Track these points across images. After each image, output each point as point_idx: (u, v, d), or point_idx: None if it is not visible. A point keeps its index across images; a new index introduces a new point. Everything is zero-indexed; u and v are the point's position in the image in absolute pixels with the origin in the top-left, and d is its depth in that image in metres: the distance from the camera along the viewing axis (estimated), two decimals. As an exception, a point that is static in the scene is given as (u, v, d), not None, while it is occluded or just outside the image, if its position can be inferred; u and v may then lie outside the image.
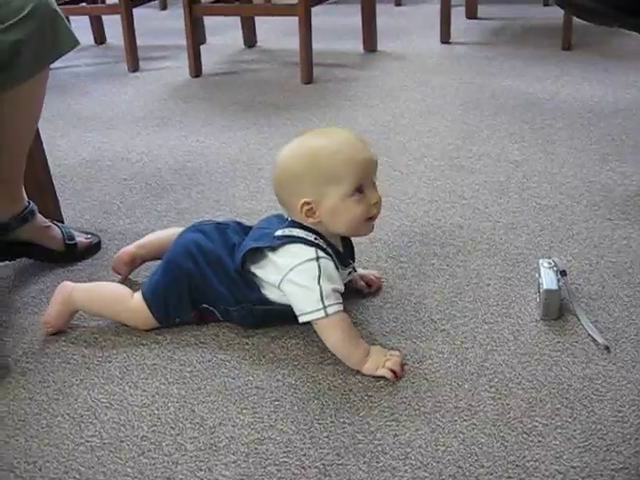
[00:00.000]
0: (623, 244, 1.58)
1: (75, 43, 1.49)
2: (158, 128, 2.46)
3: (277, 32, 3.69)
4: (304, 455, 1.07)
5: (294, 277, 1.23)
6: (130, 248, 1.52)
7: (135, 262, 1.52)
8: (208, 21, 3.67)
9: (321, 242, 1.26)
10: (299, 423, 1.13)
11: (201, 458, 1.07)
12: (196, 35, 3.05)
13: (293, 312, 1.26)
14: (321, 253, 1.24)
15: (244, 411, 1.16)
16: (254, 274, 1.29)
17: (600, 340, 1.27)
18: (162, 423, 1.14)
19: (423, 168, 2.00)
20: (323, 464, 1.05)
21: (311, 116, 2.45)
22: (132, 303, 1.36)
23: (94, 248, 1.66)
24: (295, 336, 1.33)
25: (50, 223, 1.63)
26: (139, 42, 3.25)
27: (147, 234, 1.70)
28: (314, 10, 2.83)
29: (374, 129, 2.30)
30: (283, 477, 1.03)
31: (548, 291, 1.32)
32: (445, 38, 3.27)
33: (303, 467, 1.05)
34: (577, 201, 1.77)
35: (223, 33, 3.77)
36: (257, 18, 3.53)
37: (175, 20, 3.77)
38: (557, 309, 1.34)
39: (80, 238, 1.65)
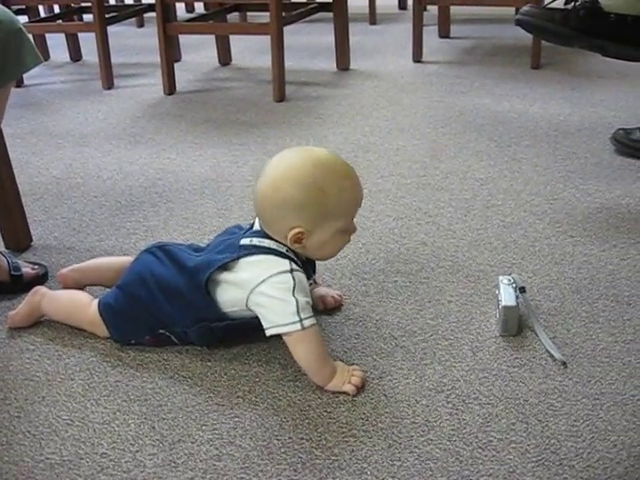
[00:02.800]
0: (583, 260, 1.60)
1: (38, 60, 1.51)
2: (130, 146, 2.47)
3: (252, 50, 3.71)
4: (261, 471, 1.08)
5: (266, 289, 1.22)
6: (63, 270, 1.54)
7: (74, 284, 1.52)
8: (184, 39, 3.69)
9: (291, 254, 1.26)
10: (257, 439, 1.14)
11: (159, 475, 1.08)
12: (170, 53, 3.07)
13: (253, 325, 1.26)
14: (294, 265, 1.24)
15: (204, 427, 1.17)
16: (219, 282, 1.27)
17: (557, 356, 1.29)
18: (122, 440, 1.15)
19: (390, 186, 2.02)
20: (280, 480, 1.06)
21: (282, 134, 2.47)
22: (90, 314, 1.39)
23: (41, 279, 1.61)
24: (257, 353, 1.34)
25: None
26: (115, 59, 3.27)
27: (115, 251, 1.73)
28: (288, 29, 2.85)
29: (344, 147, 2.32)
30: (240, 493, 1.05)
31: (506, 307, 1.34)
32: (417, 57, 3.30)
33: (260, 483, 1.06)
34: (540, 218, 1.80)
35: (198, 51, 3.79)
36: (232, 36, 3.55)
37: (151, 38, 3.77)
38: (516, 325, 1.36)
39: (26, 269, 1.61)
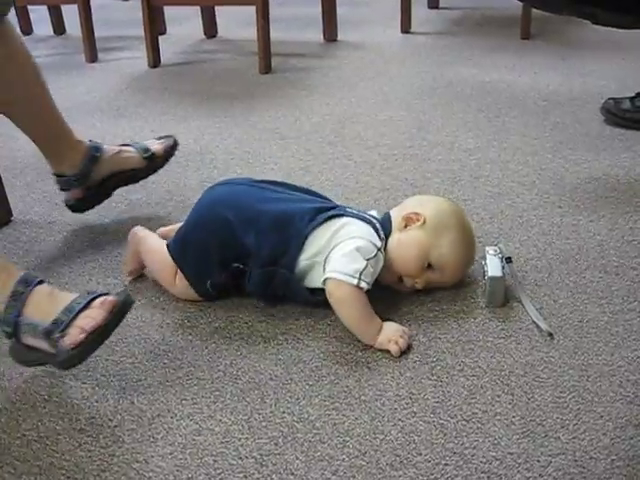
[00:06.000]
0: (571, 231, 1.58)
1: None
2: (114, 119, 2.43)
3: (238, 22, 3.66)
4: (241, 445, 1.06)
5: (354, 241, 1.27)
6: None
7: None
8: (169, 12, 3.63)
9: (383, 246, 1.31)
10: (238, 413, 1.12)
11: (138, 450, 1.06)
12: (154, 25, 3.02)
13: (305, 296, 1.32)
14: (382, 251, 1.30)
15: (184, 402, 1.15)
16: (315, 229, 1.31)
17: (544, 327, 1.27)
18: (100, 415, 1.13)
19: (376, 157, 1.99)
20: (260, 454, 1.04)
21: (267, 106, 2.44)
22: (175, 280, 1.38)
23: (172, 150, 1.69)
24: (239, 326, 1.32)
25: (119, 147, 1.66)
26: (100, 33, 3.21)
27: (96, 225, 1.70)
28: (276, 0, 2.81)
29: (330, 118, 2.29)
30: (219, 467, 1.03)
31: (493, 278, 1.32)
32: (405, 28, 3.26)
33: (240, 457, 1.04)
34: (528, 189, 1.78)
35: (184, 23, 3.73)
36: (218, 8, 3.50)
37: (136, 10, 3.69)
38: (502, 296, 1.34)
39: (155, 146, 1.67)
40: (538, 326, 1.28)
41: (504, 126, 2.17)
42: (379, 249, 1.29)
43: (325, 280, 1.26)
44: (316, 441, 1.06)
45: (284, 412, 1.12)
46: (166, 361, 1.24)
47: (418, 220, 1.34)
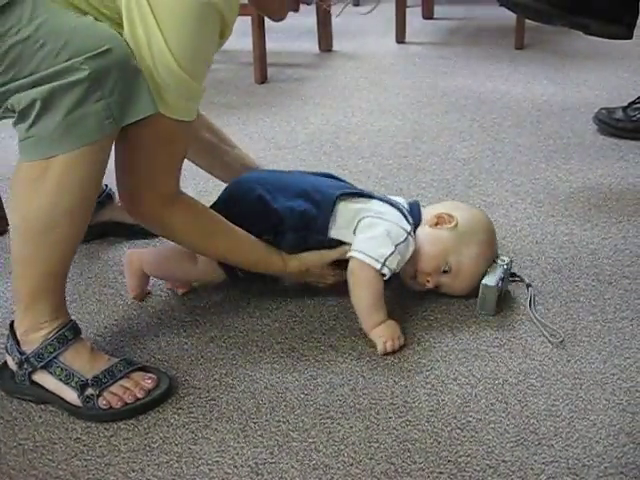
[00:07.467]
0: (565, 240, 1.60)
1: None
2: (109, 129, 2.43)
3: (234, 32, 3.66)
4: (237, 454, 1.07)
5: (383, 222, 1.31)
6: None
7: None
8: (164, 21, 3.64)
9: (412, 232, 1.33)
10: (233, 422, 1.13)
11: (134, 459, 1.07)
12: (150, 35, 3.02)
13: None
14: (411, 236, 1.32)
15: (179, 411, 1.15)
16: (340, 205, 1.34)
17: (553, 340, 1.28)
18: (96, 424, 1.14)
19: (371, 167, 2.00)
20: (255, 463, 1.05)
21: (263, 116, 2.44)
22: (197, 260, 1.37)
23: None
24: (234, 336, 1.33)
25: None
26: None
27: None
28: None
29: (325, 128, 2.30)
30: (215, 476, 1.03)
31: (485, 286, 1.34)
32: (400, 38, 3.27)
33: (235, 466, 1.05)
34: (522, 198, 1.79)
35: (180, 33, 3.74)
36: (213, 18, 3.51)
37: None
38: (494, 305, 1.35)
39: None
40: (547, 337, 1.29)
41: (498, 136, 2.18)
42: (409, 233, 1.31)
43: (350, 257, 1.29)
44: (311, 450, 1.07)
45: (279, 421, 1.13)
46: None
47: (450, 222, 1.36)
